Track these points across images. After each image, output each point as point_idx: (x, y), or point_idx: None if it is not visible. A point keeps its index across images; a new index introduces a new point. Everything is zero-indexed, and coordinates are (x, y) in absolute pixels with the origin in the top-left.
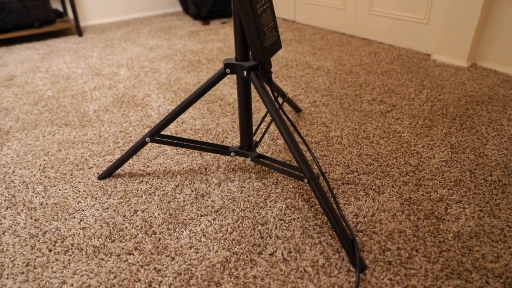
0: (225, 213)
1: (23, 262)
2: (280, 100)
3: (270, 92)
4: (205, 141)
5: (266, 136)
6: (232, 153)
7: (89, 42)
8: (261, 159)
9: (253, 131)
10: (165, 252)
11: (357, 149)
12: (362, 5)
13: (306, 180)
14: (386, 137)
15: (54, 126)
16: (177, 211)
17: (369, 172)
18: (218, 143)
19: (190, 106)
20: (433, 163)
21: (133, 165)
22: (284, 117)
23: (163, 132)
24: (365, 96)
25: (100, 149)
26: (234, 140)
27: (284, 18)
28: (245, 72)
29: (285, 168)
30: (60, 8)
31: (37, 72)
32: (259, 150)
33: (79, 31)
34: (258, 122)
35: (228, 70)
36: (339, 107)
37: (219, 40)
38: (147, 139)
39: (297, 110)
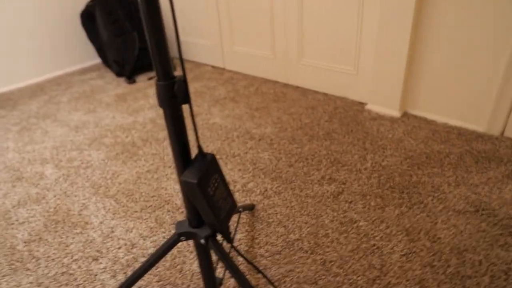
0: None
1: None
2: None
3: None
4: (165, 284)
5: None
6: None
7: (1, 125)
8: None
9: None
10: None
11: (320, 255)
12: (291, 56)
13: None
14: (344, 231)
15: None
16: None
17: (338, 287)
18: (179, 285)
19: (142, 277)
20: (395, 261)
21: None
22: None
23: None
24: (313, 174)
25: None
26: (193, 264)
27: (213, 65)
28: (202, 241)
29: None
30: None
31: None
32: (224, 285)
33: None
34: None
35: (183, 238)
36: (291, 194)
37: (150, 106)
38: None
39: (251, 208)
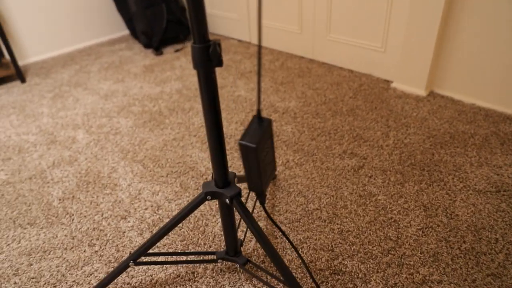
0: None
1: None
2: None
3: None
4: (188, 243)
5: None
6: (219, 261)
7: (35, 92)
8: (250, 266)
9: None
10: None
11: (338, 224)
12: (318, 31)
13: None
14: (363, 203)
15: (18, 228)
16: None
17: (353, 255)
18: (202, 245)
19: (168, 233)
20: (411, 234)
21: (116, 279)
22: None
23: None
24: (335, 148)
25: (76, 258)
26: (215, 226)
27: (240, 40)
28: (227, 200)
29: (275, 284)
30: None
31: None
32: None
33: (21, 77)
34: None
35: (209, 197)
36: (312, 166)
37: (177, 78)
38: (130, 263)
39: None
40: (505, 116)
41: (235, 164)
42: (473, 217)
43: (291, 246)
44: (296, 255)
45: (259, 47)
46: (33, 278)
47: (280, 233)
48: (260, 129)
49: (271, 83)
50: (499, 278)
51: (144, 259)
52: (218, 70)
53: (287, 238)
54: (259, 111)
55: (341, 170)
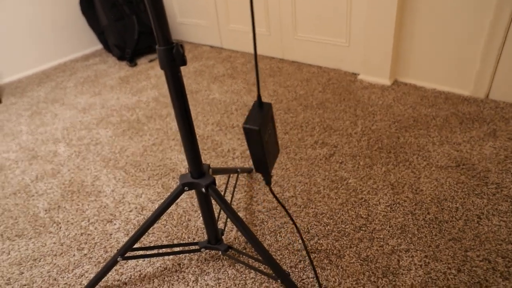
0: None
1: None
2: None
3: (229, 205)
4: (173, 238)
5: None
6: (202, 249)
7: (13, 111)
8: (232, 252)
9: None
10: None
11: (312, 209)
12: (286, 32)
13: (279, 281)
14: (335, 187)
15: (6, 241)
16: None
17: (328, 234)
18: (186, 239)
19: (152, 226)
20: (380, 211)
21: (106, 277)
22: (247, 227)
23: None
24: (307, 139)
25: (66, 262)
26: (197, 220)
27: (211, 45)
28: (203, 189)
29: (257, 266)
30: None
31: None
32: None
33: None
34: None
35: (186, 188)
36: (286, 158)
37: (153, 86)
38: (119, 258)
39: (249, 171)
40: (463, 97)
41: (213, 162)
42: (436, 191)
43: (269, 232)
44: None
45: (254, 39)
46: (25, 285)
47: (259, 221)
48: (261, 113)
49: (244, 84)
50: (459, 241)
51: (131, 254)
52: (192, 75)
53: (291, 218)
54: (259, 96)
55: (313, 159)
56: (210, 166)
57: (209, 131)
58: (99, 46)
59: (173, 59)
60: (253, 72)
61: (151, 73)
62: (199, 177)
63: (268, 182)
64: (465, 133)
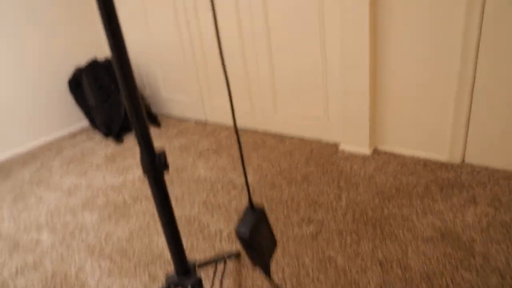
0: None
1: None
2: None
3: None
4: None
5: None
6: None
7: None
8: None
9: None
10: None
11: None
12: (266, 108)
13: None
14: (323, 268)
15: None
16: None
17: None
18: None
19: None
20: None
21: None
22: None
23: None
24: (293, 217)
25: None
26: None
27: (196, 121)
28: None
29: None
30: None
31: None
32: None
33: None
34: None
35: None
36: None
37: (138, 164)
38: None
39: (237, 256)
40: (441, 163)
41: (200, 246)
42: (424, 266)
43: None
44: None
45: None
46: None
47: None
48: (254, 218)
49: (229, 160)
50: None
51: None
52: (177, 151)
53: None
54: (250, 200)
55: (300, 238)
56: (196, 261)
57: (195, 212)
58: (85, 122)
59: (156, 167)
60: (237, 145)
61: (137, 150)
62: (185, 274)
63: (266, 274)
64: (446, 201)
